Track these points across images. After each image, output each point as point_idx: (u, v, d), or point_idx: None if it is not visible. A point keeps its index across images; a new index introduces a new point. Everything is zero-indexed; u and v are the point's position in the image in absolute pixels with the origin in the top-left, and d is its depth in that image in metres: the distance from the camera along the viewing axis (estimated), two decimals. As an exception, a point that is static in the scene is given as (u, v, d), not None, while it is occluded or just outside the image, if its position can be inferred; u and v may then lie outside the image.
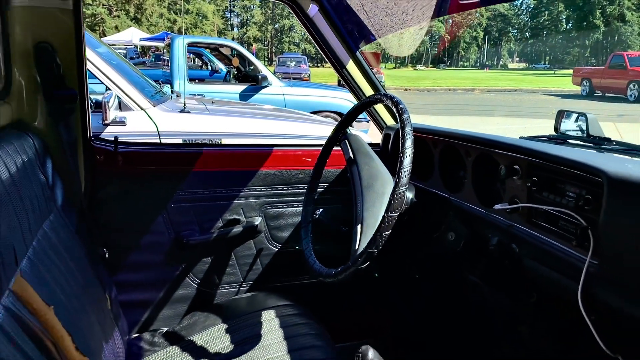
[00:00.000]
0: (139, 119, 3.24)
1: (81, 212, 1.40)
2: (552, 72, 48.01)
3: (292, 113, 4.58)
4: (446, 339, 1.83)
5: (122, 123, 3.12)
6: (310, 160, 1.81)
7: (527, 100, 18.62)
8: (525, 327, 1.39)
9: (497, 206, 1.29)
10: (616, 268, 0.99)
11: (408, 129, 1.16)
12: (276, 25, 61.48)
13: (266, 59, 56.47)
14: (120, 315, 1.43)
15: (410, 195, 1.36)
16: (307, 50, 54.52)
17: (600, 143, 1.54)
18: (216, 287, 1.78)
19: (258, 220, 1.77)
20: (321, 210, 1.81)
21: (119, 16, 41.14)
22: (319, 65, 50.41)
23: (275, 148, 1.77)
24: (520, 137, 1.68)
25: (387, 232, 1.08)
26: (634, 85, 16.39)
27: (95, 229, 1.52)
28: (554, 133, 1.82)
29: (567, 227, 1.12)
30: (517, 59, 74.60)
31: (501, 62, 70.08)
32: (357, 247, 1.20)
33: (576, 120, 1.91)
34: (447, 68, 65.61)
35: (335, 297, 1.94)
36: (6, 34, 1.20)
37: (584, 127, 1.83)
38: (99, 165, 1.55)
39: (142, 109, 3.26)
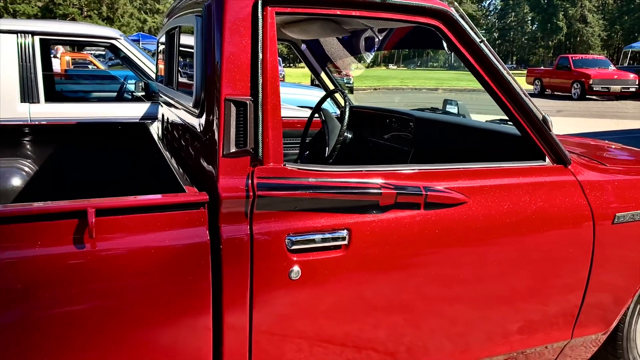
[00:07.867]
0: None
1: None
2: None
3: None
4: None
5: None
6: (300, 126, 3.32)
7: (483, 99, 20.25)
8: None
9: (385, 136, 2.84)
10: (419, 152, 2.55)
11: (347, 104, 2.70)
12: (250, 26, 62.24)
13: (240, 59, 57.23)
14: None
15: (350, 135, 2.88)
16: (280, 51, 55.87)
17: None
18: None
19: (273, 157, 3.26)
20: (307, 152, 3.35)
21: (90, 16, 40.59)
22: (291, 65, 52.14)
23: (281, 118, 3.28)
24: (411, 109, 3.22)
25: (338, 146, 2.61)
26: (577, 85, 17.85)
27: None
28: (440, 109, 3.38)
29: (408, 140, 2.67)
30: (485, 59, 76.77)
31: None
32: (326, 155, 2.73)
33: (454, 104, 3.49)
34: (417, 68, 67.77)
35: None
36: None
37: (457, 109, 3.42)
38: None
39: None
